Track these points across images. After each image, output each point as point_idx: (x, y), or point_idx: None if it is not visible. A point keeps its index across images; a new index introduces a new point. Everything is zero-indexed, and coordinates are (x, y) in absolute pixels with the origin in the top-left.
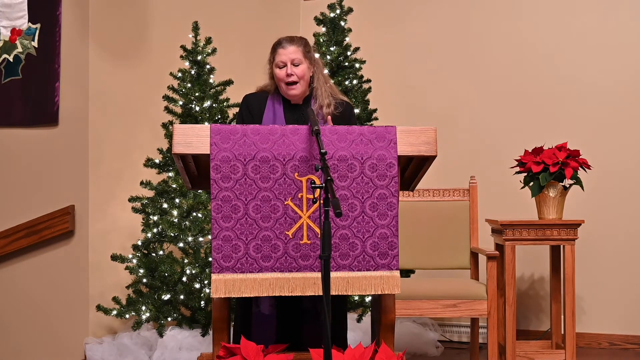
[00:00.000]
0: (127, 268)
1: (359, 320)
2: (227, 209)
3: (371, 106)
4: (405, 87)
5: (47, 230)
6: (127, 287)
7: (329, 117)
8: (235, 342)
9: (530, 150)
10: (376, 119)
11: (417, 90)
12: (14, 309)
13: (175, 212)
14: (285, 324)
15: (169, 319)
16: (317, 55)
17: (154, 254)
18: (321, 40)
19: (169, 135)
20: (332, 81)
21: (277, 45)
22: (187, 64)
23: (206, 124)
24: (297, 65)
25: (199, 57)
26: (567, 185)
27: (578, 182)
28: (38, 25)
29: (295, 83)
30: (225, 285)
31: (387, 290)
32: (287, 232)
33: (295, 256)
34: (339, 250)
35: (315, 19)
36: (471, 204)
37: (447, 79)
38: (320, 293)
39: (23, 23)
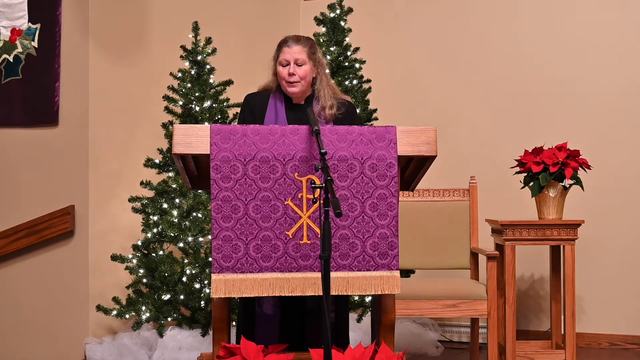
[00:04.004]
0: (127, 268)
1: (359, 320)
2: (227, 209)
3: (371, 106)
4: (405, 87)
5: (47, 230)
6: (127, 287)
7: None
8: (237, 342)
9: (530, 150)
10: (376, 119)
11: (417, 90)
12: (14, 309)
13: (175, 212)
14: (288, 323)
15: (169, 319)
16: (320, 55)
17: (154, 254)
18: (321, 40)
19: (169, 135)
20: (332, 81)
21: (283, 44)
22: (187, 64)
23: (206, 124)
24: (301, 66)
25: (199, 57)
26: (567, 185)
27: (578, 182)
28: (38, 25)
29: (296, 82)
30: (225, 285)
31: (387, 290)
32: (287, 232)
33: (295, 256)
34: (339, 250)
35: (315, 19)
36: (471, 204)
37: (447, 79)
38: (320, 293)
39: (23, 23)
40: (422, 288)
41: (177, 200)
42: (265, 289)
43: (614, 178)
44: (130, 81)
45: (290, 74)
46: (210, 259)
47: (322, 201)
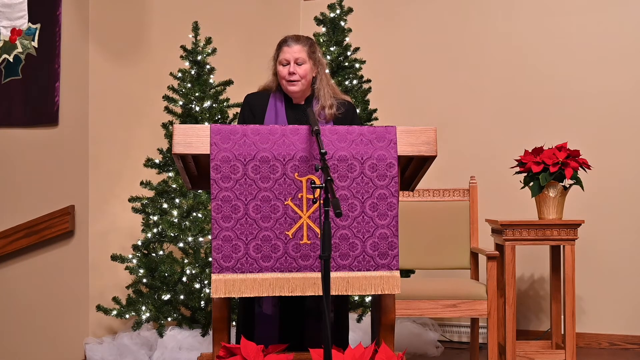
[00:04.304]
0: (127, 268)
1: (359, 320)
2: (227, 209)
3: (371, 106)
4: (405, 87)
5: (47, 230)
6: (127, 287)
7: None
8: (237, 342)
9: (530, 150)
10: (376, 119)
11: (417, 90)
12: (14, 309)
13: (175, 212)
14: (288, 323)
15: (169, 319)
16: (320, 55)
17: (154, 254)
18: (321, 40)
19: (169, 135)
20: (332, 81)
21: (282, 43)
22: (187, 64)
23: (206, 124)
24: (300, 65)
25: (199, 57)
26: (567, 185)
27: (578, 182)
28: (38, 25)
29: (296, 81)
30: (225, 285)
31: (387, 290)
32: (287, 232)
33: (295, 256)
34: (339, 250)
35: (315, 19)
36: (471, 204)
37: (447, 79)
38: (320, 293)
39: (23, 23)
40: (422, 288)
41: (177, 200)
42: (265, 289)
43: (614, 178)
44: (130, 81)
45: (291, 73)
46: (210, 259)
47: (322, 201)
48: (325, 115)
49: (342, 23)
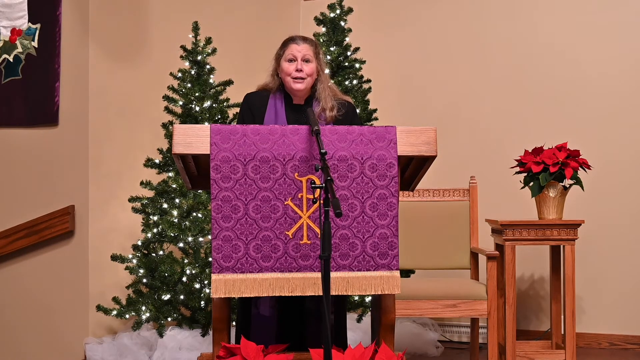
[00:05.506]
0: (127, 268)
1: (359, 320)
2: (227, 209)
3: (371, 106)
4: (405, 87)
5: (47, 230)
6: (127, 287)
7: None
8: (237, 342)
9: (530, 150)
10: (376, 119)
11: (417, 90)
12: (14, 309)
13: (175, 212)
14: (286, 324)
15: (169, 319)
16: (323, 57)
17: (154, 254)
18: (321, 40)
19: (169, 135)
20: (332, 81)
21: (289, 41)
22: (187, 64)
23: (206, 124)
24: (307, 62)
25: (199, 57)
26: (567, 185)
27: (578, 182)
28: (38, 25)
29: (302, 78)
30: (225, 285)
31: (387, 290)
32: (287, 232)
33: (295, 256)
34: (339, 250)
35: (315, 19)
36: (471, 204)
37: (447, 79)
38: (320, 293)
39: (23, 23)
40: (422, 288)
41: (177, 200)
42: (265, 289)
43: (614, 178)
44: (130, 81)
45: (298, 70)
46: (210, 259)
47: (322, 201)
48: (325, 117)
49: (342, 23)
